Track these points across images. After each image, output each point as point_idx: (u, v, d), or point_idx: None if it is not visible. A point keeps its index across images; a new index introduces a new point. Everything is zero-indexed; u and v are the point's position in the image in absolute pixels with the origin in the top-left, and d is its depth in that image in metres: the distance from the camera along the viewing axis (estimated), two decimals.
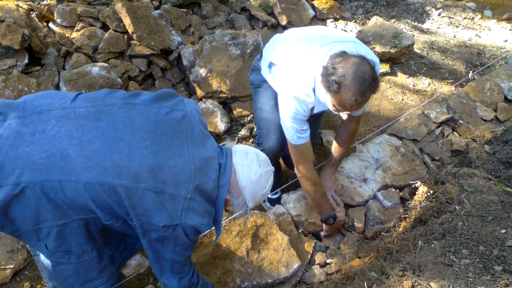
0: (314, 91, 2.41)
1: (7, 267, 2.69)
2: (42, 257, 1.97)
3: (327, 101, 2.33)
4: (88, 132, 1.72)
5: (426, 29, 5.18)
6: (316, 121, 3.02)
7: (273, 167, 2.04)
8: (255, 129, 3.61)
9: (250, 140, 3.64)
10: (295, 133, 2.49)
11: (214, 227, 1.99)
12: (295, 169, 2.68)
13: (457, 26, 5.28)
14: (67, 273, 1.98)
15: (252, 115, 3.70)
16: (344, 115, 2.75)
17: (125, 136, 1.74)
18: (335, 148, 2.92)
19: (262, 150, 2.64)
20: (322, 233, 2.87)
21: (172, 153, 1.78)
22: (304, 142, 2.53)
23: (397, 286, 2.01)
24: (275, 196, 3.18)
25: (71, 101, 1.79)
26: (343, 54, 2.25)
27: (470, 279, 1.93)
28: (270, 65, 2.68)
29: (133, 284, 2.83)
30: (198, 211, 1.80)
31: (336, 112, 2.40)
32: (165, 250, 1.86)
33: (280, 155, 2.86)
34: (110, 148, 1.70)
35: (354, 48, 2.37)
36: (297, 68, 2.44)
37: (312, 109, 2.49)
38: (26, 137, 1.69)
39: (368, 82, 2.15)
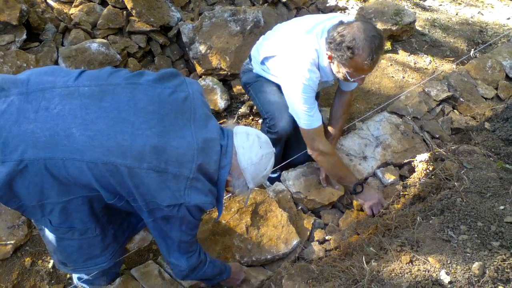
0: (318, 64, 2.46)
1: (8, 242, 2.71)
2: (47, 231, 2.00)
3: (341, 72, 2.41)
4: (92, 112, 1.71)
5: (428, 6, 5.12)
6: None
7: (274, 148, 2.05)
8: (255, 107, 3.60)
9: (250, 118, 3.63)
10: (307, 117, 2.50)
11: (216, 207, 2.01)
12: (309, 150, 2.67)
13: (459, 3, 5.22)
14: (71, 249, 2.00)
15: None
16: (345, 85, 2.79)
17: (129, 116, 1.73)
18: (333, 122, 2.95)
19: (275, 133, 2.66)
20: (368, 213, 2.78)
21: (175, 134, 1.79)
22: (319, 124, 2.56)
23: (395, 261, 2.03)
24: (275, 175, 3.18)
25: (75, 79, 1.79)
26: (343, 23, 2.31)
27: (468, 254, 1.94)
28: (263, 61, 2.74)
29: (134, 260, 2.85)
30: (201, 190, 1.82)
31: (349, 80, 2.44)
32: (171, 229, 1.88)
33: (291, 135, 2.86)
34: (114, 128, 1.70)
35: (346, 19, 2.44)
36: (296, 49, 2.48)
37: (319, 83, 2.52)
38: (30, 114, 1.68)
39: (378, 39, 2.25)
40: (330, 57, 2.41)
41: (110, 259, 2.13)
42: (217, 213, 2.08)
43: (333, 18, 2.54)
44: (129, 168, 1.68)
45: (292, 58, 2.49)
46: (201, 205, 1.82)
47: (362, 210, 2.86)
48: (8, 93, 1.73)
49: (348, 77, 2.40)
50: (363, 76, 2.44)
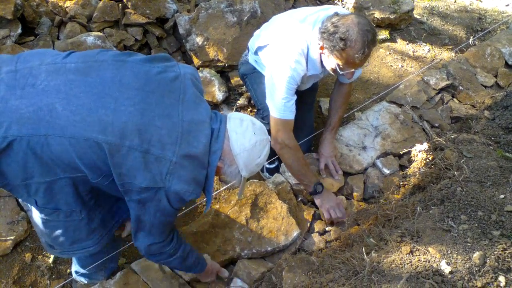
0: (307, 55, 2.46)
1: (8, 238, 2.70)
2: (34, 212, 1.98)
3: (331, 63, 2.40)
4: (76, 87, 1.69)
5: None
6: (308, 105, 3.06)
7: (269, 136, 2.00)
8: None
9: (249, 109, 3.61)
10: (283, 107, 2.50)
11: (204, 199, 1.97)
12: (272, 142, 2.60)
13: None
14: (57, 231, 1.99)
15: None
16: (344, 77, 2.73)
17: (112, 91, 1.71)
18: (332, 112, 2.96)
19: (268, 124, 2.65)
20: (326, 217, 2.72)
21: (161, 112, 1.74)
22: (291, 117, 2.55)
23: (395, 252, 2.02)
24: (273, 166, 3.18)
25: (63, 58, 1.78)
26: (337, 14, 2.32)
27: (468, 244, 1.93)
28: (256, 51, 2.76)
29: (134, 254, 2.85)
30: (183, 177, 1.76)
31: (339, 73, 2.44)
32: (145, 213, 1.83)
33: None
34: (96, 103, 1.67)
35: (341, 11, 2.45)
36: (286, 39, 2.50)
37: (304, 76, 2.53)
38: (17, 91, 1.67)
39: (371, 34, 2.26)
40: (322, 47, 2.39)
41: (97, 244, 2.09)
42: (209, 205, 2.04)
43: (327, 9, 2.54)
44: (110, 145, 1.65)
45: (282, 48, 2.50)
46: (182, 193, 1.77)
47: (363, 200, 2.86)
48: None
49: (338, 70, 2.38)
50: (353, 70, 2.42)
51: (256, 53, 2.78)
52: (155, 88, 1.77)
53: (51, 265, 2.76)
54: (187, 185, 1.78)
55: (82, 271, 2.42)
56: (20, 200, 1.96)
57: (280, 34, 2.55)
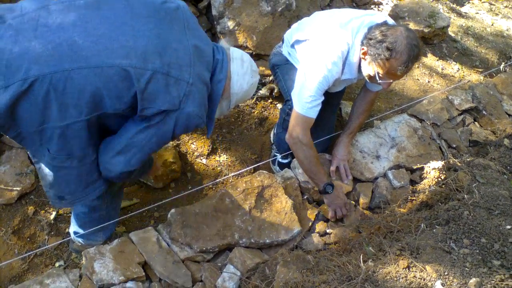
0: (346, 58, 2.44)
1: (14, 189, 2.74)
2: (43, 164, 1.99)
3: (370, 70, 2.40)
4: (91, 20, 1.75)
5: (464, 13, 5.01)
6: (333, 106, 3.04)
7: (259, 77, 2.24)
8: (275, 90, 3.57)
9: (269, 101, 3.60)
10: (309, 104, 2.48)
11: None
12: (287, 136, 2.63)
13: (496, 14, 5.10)
14: (70, 178, 2.02)
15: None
16: (372, 85, 2.75)
17: (127, 20, 1.78)
18: (353, 116, 2.94)
19: None
20: (330, 215, 2.76)
21: (173, 37, 1.85)
22: (313, 116, 2.53)
23: (392, 264, 2.02)
24: (286, 161, 3.17)
25: None
26: (387, 24, 2.34)
27: (467, 269, 1.92)
28: (293, 44, 2.74)
29: (134, 225, 2.89)
30: (196, 100, 1.90)
31: (376, 81, 2.42)
32: (142, 137, 1.92)
33: None
34: (116, 32, 1.74)
35: (389, 21, 2.45)
36: (328, 39, 2.48)
37: (337, 79, 2.51)
38: (29, 33, 1.69)
39: (417, 49, 2.27)
40: (364, 53, 2.39)
41: (105, 183, 2.16)
42: (210, 132, 2.21)
43: (373, 15, 2.53)
44: (135, 68, 1.73)
45: (322, 46, 2.47)
46: (192, 116, 1.90)
47: (368, 209, 2.85)
48: (4, 19, 1.74)
49: (377, 78, 2.37)
50: (391, 81, 2.42)
51: (292, 46, 2.76)
52: (164, 16, 1.86)
53: (52, 221, 2.81)
54: (198, 108, 1.91)
55: (81, 231, 2.45)
56: (29, 152, 1.98)
57: (322, 32, 2.53)
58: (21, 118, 1.74)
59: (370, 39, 2.33)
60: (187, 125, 1.94)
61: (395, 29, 2.29)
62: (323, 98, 2.51)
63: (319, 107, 2.52)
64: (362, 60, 2.44)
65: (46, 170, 2.00)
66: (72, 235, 2.55)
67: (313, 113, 2.52)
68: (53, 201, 2.16)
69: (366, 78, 2.49)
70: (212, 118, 2.10)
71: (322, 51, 2.44)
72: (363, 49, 2.39)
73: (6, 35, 1.69)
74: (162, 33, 1.81)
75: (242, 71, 2.10)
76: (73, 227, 2.53)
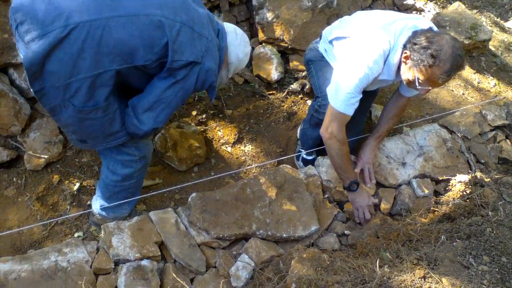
0: (386, 58, 2.43)
1: (42, 156, 2.80)
2: (64, 115, 2.04)
3: (410, 75, 2.37)
4: None
5: (508, 28, 4.89)
6: (364, 108, 3.01)
7: (251, 47, 2.54)
8: (307, 86, 3.55)
9: (299, 96, 3.59)
10: (347, 100, 2.45)
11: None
12: (322, 130, 2.60)
13: None
14: (93, 128, 2.12)
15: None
16: (406, 89, 2.75)
17: None
18: (383, 120, 2.91)
19: (323, 113, 2.64)
20: (354, 215, 2.77)
21: (190, 2, 2.11)
22: (350, 113, 2.51)
23: (408, 273, 2.00)
24: (310, 157, 3.16)
25: None
26: (432, 30, 2.33)
27: (484, 286, 1.89)
28: (332, 41, 2.73)
29: (155, 204, 2.92)
30: (213, 56, 2.12)
31: (415, 86, 2.39)
32: (170, 92, 2.09)
33: None
34: None
35: (435, 28, 2.43)
36: (371, 37, 2.45)
37: (375, 78, 2.49)
38: None
39: (461, 60, 2.26)
40: (406, 57, 2.36)
41: (127, 135, 2.25)
42: (213, 98, 2.35)
43: (417, 19, 2.50)
44: (167, 19, 1.93)
45: (364, 44, 2.44)
46: (210, 71, 2.10)
47: (389, 215, 2.82)
48: None
49: (416, 83, 2.34)
50: (430, 88, 2.39)
51: (331, 42, 2.73)
52: None
53: (75, 192, 2.85)
54: (215, 65, 2.14)
55: (106, 204, 2.49)
56: (46, 108, 2.02)
57: (365, 30, 2.50)
58: (50, 71, 1.83)
59: (415, 44, 2.29)
60: (204, 81, 2.11)
61: (441, 36, 2.26)
62: (360, 95, 2.49)
63: (356, 105, 2.49)
64: (403, 64, 2.40)
65: (70, 121, 2.07)
66: (98, 209, 2.59)
67: (351, 110, 2.49)
68: (75, 143, 2.30)
69: (405, 82, 2.46)
70: (214, 85, 2.22)
71: (364, 49, 2.41)
72: (405, 52, 2.36)
73: None
74: None
75: (236, 42, 2.34)
76: (99, 201, 2.57)
